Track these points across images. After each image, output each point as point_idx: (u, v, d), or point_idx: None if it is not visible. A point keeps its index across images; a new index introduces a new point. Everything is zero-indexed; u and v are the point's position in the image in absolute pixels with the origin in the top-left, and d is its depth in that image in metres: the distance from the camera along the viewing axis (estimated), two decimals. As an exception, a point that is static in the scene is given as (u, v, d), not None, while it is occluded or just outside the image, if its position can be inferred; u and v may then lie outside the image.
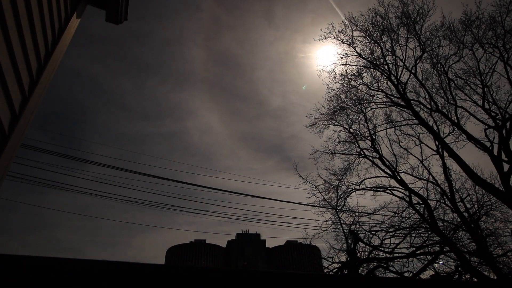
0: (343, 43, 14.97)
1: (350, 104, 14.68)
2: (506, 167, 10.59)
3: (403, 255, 10.77)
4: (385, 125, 14.25)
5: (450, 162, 12.38)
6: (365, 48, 14.74)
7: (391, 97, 14.18)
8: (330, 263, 11.56)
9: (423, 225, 11.20)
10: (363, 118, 14.41)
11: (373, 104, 14.57)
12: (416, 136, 13.68)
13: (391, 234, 11.32)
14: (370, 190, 13.15)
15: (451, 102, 12.57)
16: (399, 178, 12.66)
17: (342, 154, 14.37)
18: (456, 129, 12.57)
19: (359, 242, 11.31)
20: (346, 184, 13.40)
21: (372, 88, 14.65)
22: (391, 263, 10.79)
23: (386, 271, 10.69)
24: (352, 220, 11.97)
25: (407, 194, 12.24)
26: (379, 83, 14.64)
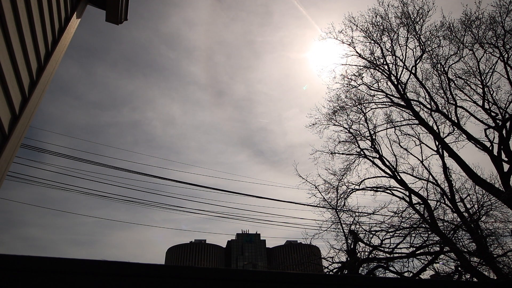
0: (343, 43, 15.00)
1: (350, 104, 14.70)
2: (506, 167, 10.60)
3: (403, 255, 10.77)
4: (385, 125, 14.27)
5: (450, 162, 12.42)
6: (365, 48, 14.77)
7: (391, 97, 14.20)
8: (330, 263, 11.56)
9: (423, 225, 11.20)
10: (363, 118, 14.42)
11: (373, 104, 14.59)
12: (416, 136, 13.70)
13: (391, 234, 11.31)
14: (370, 190, 13.16)
15: (451, 102, 12.58)
16: (399, 178, 12.67)
17: (342, 154, 14.39)
18: (456, 129, 12.58)
19: (359, 242, 11.31)
20: (346, 184, 13.41)
21: (372, 88, 14.67)
22: (391, 263, 10.79)
23: (386, 271, 10.69)
24: (352, 220, 11.98)
25: (407, 194, 12.25)
26: (379, 83, 14.66)
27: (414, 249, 10.68)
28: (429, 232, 10.83)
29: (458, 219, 11.20)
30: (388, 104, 14.28)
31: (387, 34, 14.16)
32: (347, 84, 14.91)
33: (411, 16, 13.64)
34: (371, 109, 14.61)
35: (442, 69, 12.98)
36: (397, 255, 10.78)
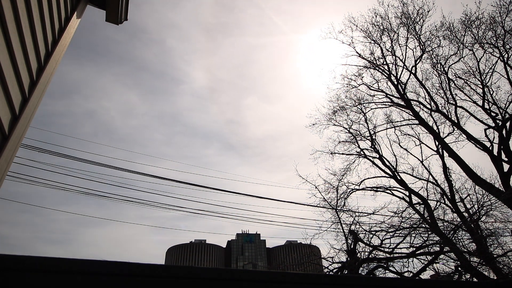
0: (343, 43, 15.01)
1: (350, 104, 14.71)
2: (506, 167, 10.60)
3: (403, 255, 10.77)
4: (385, 125, 14.28)
5: (450, 162, 12.41)
6: (365, 48, 14.82)
7: (391, 97, 14.21)
8: (330, 263, 11.56)
9: (423, 225, 11.20)
10: (363, 118, 14.42)
11: (373, 104, 14.60)
12: (416, 136, 13.70)
13: (391, 234, 11.32)
14: (370, 190, 13.17)
15: (451, 102, 12.58)
16: (399, 178, 12.67)
17: (342, 154, 14.39)
18: (456, 129, 12.59)
19: (359, 242, 11.31)
20: (346, 184, 13.42)
21: (372, 88, 14.68)
22: (391, 263, 10.78)
23: (386, 271, 10.69)
24: (352, 220, 11.98)
25: (407, 194, 12.25)
26: (379, 83, 14.67)
27: (414, 249, 10.68)
28: (429, 232, 10.83)
29: (458, 219, 11.21)
30: (388, 104, 14.30)
31: (387, 34, 14.18)
32: (347, 84, 14.94)
33: (411, 16, 13.66)
34: (371, 109, 14.63)
35: (442, 69, 12.99)
36: (397, 255, 10.78)
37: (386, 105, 14.36)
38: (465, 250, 10.00)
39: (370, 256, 10.93)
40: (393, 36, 14.00)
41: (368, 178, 13.43)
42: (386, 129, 14.17)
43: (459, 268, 9.93)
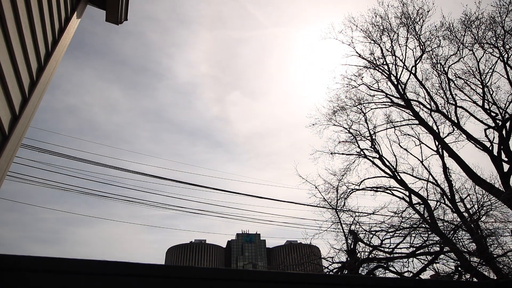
0: (343, 43, 15.02)
1: (350, 104, 14.72)
2: (506, 167, 10.60)
3: (403, 255, 10.77)
4: (385, 125, 14.29)
5: (450, 162, 12.40)
6: (365, 48, 14.85)
7: (391, 97, 14.21)
8: (330, 263, 11.56)
9: (423, 225, 11.20)
10: (363, 118, 14.43)
11: (373, 104, 14.60)
12: (416, 136, 13.71)
13: (391, 234, 11.31)
14: (370, 190, 13.17)
15: (451, 102, 12.58)
16: (399, 178, 12.67)
17: (342, 154, 14.39)
18: (456, 129, 12.59)
19: (359, 242, 11.31)
20: (346, 184, 13.42)
21: (372, 88, 14.68)
22: (391, 263, 10.78)
23: (386, 271, 10.68)
24: (352, 220, 11.98)
25: (407, 194, 12.25)
26: (379, 83, 14.68)
27: (414, 249, 10.67)
28: (429, 232, 10.83)
29: (458, 219, 11.21)
30: (388, 104, 14.30)
31: (387, 34, 14.19)
32: (347, 84, 14.95)
33: (411, 16, 13.67)
34: (371, 109, 14.64)
35: (442, 69, 13.00)
36: (397, 255, 10.78)
37: (386, 105, 14.38)
38: (465, 250, 10.01)
39: (370, 256, 10.93)
40: (393, 36, 14.03)
41: (368, 178, 13.45)
42: (386, 129, 14.20)
43: (459, 268, 9.93)
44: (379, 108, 14.65)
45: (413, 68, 13.54)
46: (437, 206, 11.85)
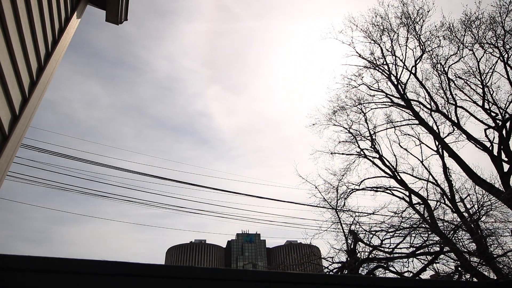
0: (343, 43, 15.02)
1: (350, 104, 14.72)
2: (506, 167, 10.60)
3: (403, 255, 10.77)
4: (385, 125, 14.29)
5: (450, 162, 12.40)
6: (365, 48, 14.85)
7: (391, 97, 14.22)
8: (330, 263, 11.55)
9: (423, 225, 11.20)
10: (363, 118, 14.43)
11: (373, 104, 14.61)
12: (416, 136, 13.70)
13: (391, 234, 11.31)
14: (370, 190, 13.17)
15: (451, 102, 12.59)
16: (399, 178, 12.67)
17: (342, 154, 14.39)
18: (456, 129, 12.59)
19: (359, 242, 11.31)
20: (346, 184, 13.42)
21: (372, 88, 14.69)
22: (391, 263, 10.78)
23: (386, 271, 10.68)
24: (352, 220, 11.98)
25: (407, 194, 12.25)
26: (379, 83, 14.69)
27: (414, 249, 10.67)
28: (429, 232, 10.83)
29: (458, 219, 11.21)
30: (388, 104, 14.31)
31: (387, 34, 14.19)
32: (347, 84, 14.95)
33: (411, 16, 13.67)
34: (371, 109, 14.64)
35: (442, 69, 13.00)
36: (397, 255, 10.77)
37: (386, 105, 14.38)
38: (465, 250, 10.01)
39: (370, 256, 10.93)
40: (393, 36, 14.03)
41: (368, 178, 13.45)
42: (386, 129, 14.20)
43: (459, 268, 9.93)
44: (379, 108, 14.66)
45: (413, 68, 13.55)
46: (437, 206, 11.86)
